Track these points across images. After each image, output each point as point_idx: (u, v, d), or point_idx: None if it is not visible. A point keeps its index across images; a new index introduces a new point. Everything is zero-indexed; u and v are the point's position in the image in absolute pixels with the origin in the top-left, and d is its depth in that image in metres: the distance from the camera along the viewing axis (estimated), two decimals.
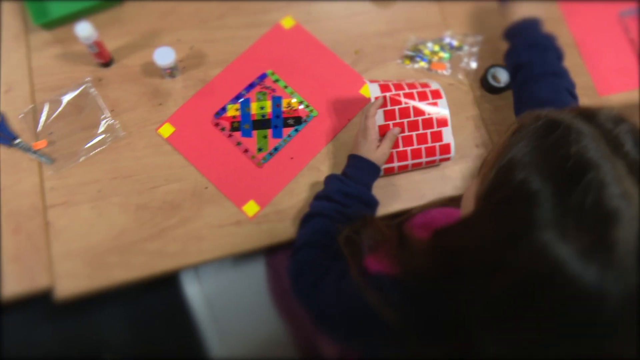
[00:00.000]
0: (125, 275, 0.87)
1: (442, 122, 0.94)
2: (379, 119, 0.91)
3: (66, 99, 0.96)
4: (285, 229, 0.93)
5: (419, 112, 0.93)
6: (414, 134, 0.94)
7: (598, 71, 1.13)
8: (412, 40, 1.08)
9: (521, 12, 1.00)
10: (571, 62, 1.10)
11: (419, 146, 0.94)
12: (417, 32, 1.10)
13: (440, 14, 1.13)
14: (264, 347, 1.14)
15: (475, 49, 1.08)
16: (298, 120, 0.99)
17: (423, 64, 1.06)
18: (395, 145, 0.93)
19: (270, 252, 1.05)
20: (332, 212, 0.84)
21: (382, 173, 0.94)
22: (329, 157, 0.98)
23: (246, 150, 0.96)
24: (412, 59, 1.07)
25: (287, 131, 0.98)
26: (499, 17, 1.14)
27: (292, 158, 0.97)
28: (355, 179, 0.88)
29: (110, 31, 1.01)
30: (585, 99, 1.09)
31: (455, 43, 1.08)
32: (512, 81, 1.00)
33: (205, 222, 0.92)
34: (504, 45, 1.11)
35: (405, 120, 0.93)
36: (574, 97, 0.92)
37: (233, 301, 1.21)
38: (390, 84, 0.95)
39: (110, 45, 1.00)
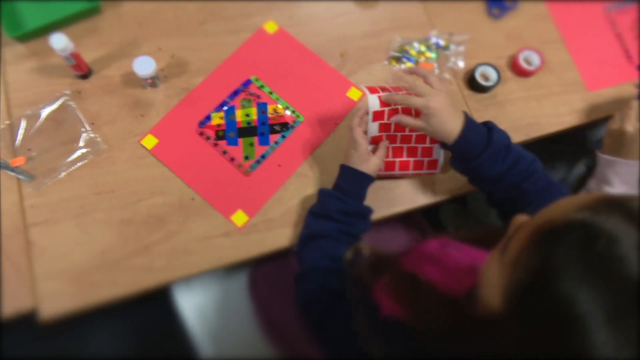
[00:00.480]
0: (111, 293, 0.85)
1: (435, 140, 0.92)
2: (373, 130, 0.88)
3: (44, 113, 0.93)
4: (275, 238, 0.91)
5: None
6: (404, 146, 0.93)
7: (586, 66, 1.12)
8: (398, 40, 1.06)
9: (451, 123, 0.82)
10: (558, 58, 1.10)
11: (408, 159, 0.94)
12: (402, 32, 1.08)
13: (425, 13, 1.11)
14: (257, 355, 1.11)
15: (461, 48, 1.06)
16: (284, 127, 0.97)
17: (410, 64, 1.04)
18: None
19: (253, 284, 1.03)
20: (334, 232, 0.83)
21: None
22: (317, 162, 0.96)
23: (232, 159, 0.94)
24: (398, 60, 1.05)
25: (273, 138, 0.96)
26: (484, 16, 1.13)
27: (279, 165, 0.94)
28: (352, 194, 0.86)
29: (88, 42, 0.99)
30: (574, 95, 1.09)
31: (441, 42, 1.07)
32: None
33: (193, 235, 0.89)
34: (491, 43, 1.10)
35: (399, 134, 0.91)
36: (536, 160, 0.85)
37: (226, 311, 1.18)
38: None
39: (88, 57, 0.97)
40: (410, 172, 0.94)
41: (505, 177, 0.82)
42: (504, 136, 0.84)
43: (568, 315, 0.42)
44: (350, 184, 0.87)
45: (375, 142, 0.90)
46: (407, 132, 0.91)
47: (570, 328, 0.42)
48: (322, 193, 0.89)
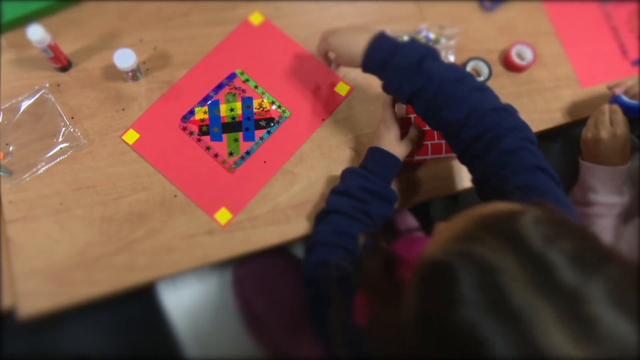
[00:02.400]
0: (91, 292, 0.83)
1: None
2: (401, 111, 0.87)
3: (22, 107, 0.91)
4: (260, 237, 0.89)
5: None
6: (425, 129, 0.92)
7: (579, 61, 1.10)
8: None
9: (349, 40, 0.82)
10: (551, 52, 1.08)
11: (440, 141, 0.92)
12: (391, 24, 1.06)
13: (416, 4, 1.09)
14: (243, 353, 1.10)
15: (452, 42, 1.04)
16: (270, 122, 0.95)
17: None
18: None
19: (238, 281, 1.01)
20: (351, 209, 0.80)
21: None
22: (303, 159, 0.94)
23: (216, 155, 0.91)
24: None
25: (259, 134, 0.94)
26: (476, 8, 1.10)
27: (265, 162, 0.92)
28: (377, 173, 0.83)
29: (67, 33, 0.96)
30: (567, 90, 1.06)
31: (432, 36, 1.04)
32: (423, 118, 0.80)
33: (176, 233, 0.87)
34: (483, 37, 1.08)
35: None
36: (481, 89, 0.75)
37: (210, 308, 1.17)
38: None
39: (68, 48, 0.94)
40: (444, 155, 0.93)
41: (419, 99, 0.75)
42: (416, 52, 0.75)
43: (469, 339, 0.40)
44: (376, 165, 0.84)
45: (402, 125, 0.88)
46: None
47: (477, 355, 0.40)
48: (345, 171, 0.86)
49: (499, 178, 0.70)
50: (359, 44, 0.79)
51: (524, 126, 0.74)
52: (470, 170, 0.77)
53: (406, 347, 0.47)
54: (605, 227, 0.89)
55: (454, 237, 0.47)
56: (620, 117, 0.88)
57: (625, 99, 0.92)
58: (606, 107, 0.90)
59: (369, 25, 1.04)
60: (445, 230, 0.49)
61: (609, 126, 0.88)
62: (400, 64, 0.75)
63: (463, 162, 0.77)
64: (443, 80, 0.73)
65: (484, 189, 0.74)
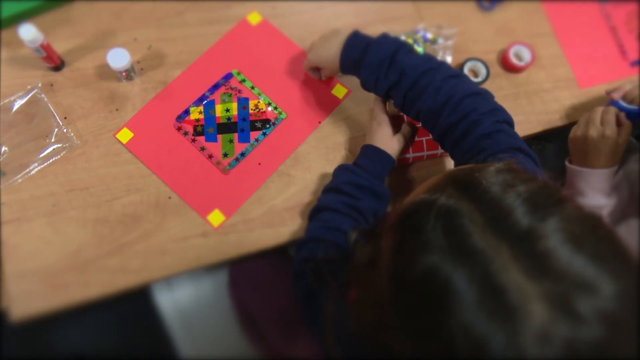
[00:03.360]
0: (85, 294, 0.82)
1: None
2: (392, 109, 0.88)
3: (15, 106, 0.90)
4: (255, 239, 0.88)
5: None
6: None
7: (578, 62, 1.09)
8: None
9: (324, 50, 0.84)
10: (550, 53, 1.07)
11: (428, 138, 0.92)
12: (389, 24, 1.05)
13: (413, 4, 1.07)
14: (237, 353, 1.10)
15: (450, 42, 1.03)
16: (266, 123, 0.94)
17: None
18: (411, 135, 0.90)
19: (233, 282, 1.00)
20: (340, 205, 0.79)
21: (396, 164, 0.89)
22: (299, 161, 0.93)
23: (211, 156, 0.90)
24: None
25: (254, 135, 0.93)
26: (474, 8, 1.09)
27: (260, 163, 0.91)
28: (366, 169, 0.83)
29: (60, 32, 0.94)
30: (566, 92, 1.06)
31: (429, 36, 1.03)
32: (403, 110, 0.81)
33: (169, 235, 0.87)
34: (481, 37, 1.07)
35: None
36: (456, 76, 0.76)
37: (205, 309, 1.17)
38: None
39: (61, 47, 0.93)
40: (439, 150, 0.92)
41: (396, 93, 0.77)
42: (387, 47, 0.76)
43: (433, 283, 0.42)
44: (366, 160, 0.84)
45: (395, 122, 0.89)
46: None
47: (442, 300, 0.41)
48: (337, 168, 0.86)
49: (478, 162, 0.70)
50: (333, 49, 0.81)
51: (500, 109, 0.75)
52: (453, 158, 0.78)
53: (382, 311, 0.48)
54: None
55: (424, 191, 0.50)
56: (611, 117, 0.87)
57: (623, 103, 0.92)
58: (599, 108, 0.90)
59: (366, 26, 1.03)
60: (419, 187, 0.52)
61: (599, 126, 0.87)
62: (374, 62, 0.76)
63: (445, 150, 0.78)
64: (417, 72, 0.75)
65: None
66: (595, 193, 0.88)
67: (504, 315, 0.39)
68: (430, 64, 0.76)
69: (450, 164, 0.96)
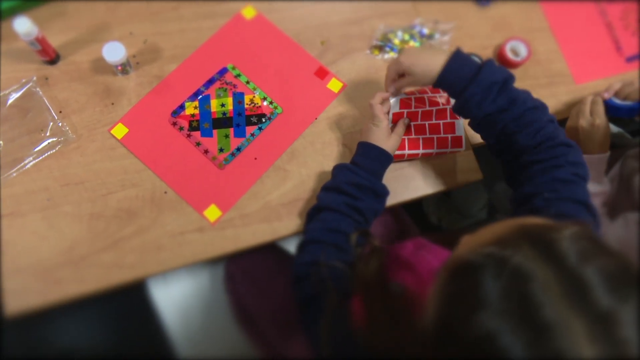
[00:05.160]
0: (79, 289, 0.82)
1: (455, 115, 0.90)
2: (394, 106, 0.89)
3: (9, 100, 0.89)
4: (251, 234, 0.88)
5: (433, 102, 0.91)
6: (426, 123, 0.91)
7: (574, 57, 1.09)
8: (381, 29, 1.02)
9: (427, 59, 0.81)
10: (545, 48, 1.07)
11: (431, 136, 0.92)
12: (385, 19, 1.04)
13: None
14: (233, 349, 1.10)
15: (447, 38, 1.03)
16: (262, 118, 0.94)
17: (393, 54, 1.01)
18: (408, 132, 0.91)
19: (230, 278, 1.00)
20: (340, 205, 0.79)
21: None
22: (295, 156, 0.93)
23: (206, 151, 0.90)
24: (381, 49, 1.01)
25: (250, 130, 0.93)
26: (471, 3, 1.09)
27: (255, 158, 0.91)
28: (366, 168, 0.83)
29: (55, 25, 0.94)
30: (562, 87, 1.06)
31: (426, 31, 1.03)
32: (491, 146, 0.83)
33: (165, 230, 0.86)
34: (477, 32, 1.07)
35: (419, 110, 0.90)
36: (554, 121, 0.78)
37: (202, 304, 1.17)
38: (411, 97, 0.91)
39: (56, 41, 0.92)
40: (435, 150, 0.92)
41: (497, 119, 0.77)
42: (499, 73, 0.76)
43: (487, 348, 0.40)
44: (365, 158, 0.84)
45: (395, 119, 0.89)
46: (427, 108, 0.91)
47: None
48: (336, 167, 0.86)
49: (546, 200, 0.71)
50: (437, 62, 0.78)
51: (583, 164, 0.76)
52: (517, 185, 0.78)
53: (419, 349, 0.47)
54: None
55: (489, 242, 0.46)
56: (600, 107, 0.91)
57: (616, 101, 0.93)
58: (589, 97, 0.93)
59: (362, 21, 1.03)
60: (479, 236, 0.49)
61: (589, 116, 0.91)
62: (485, 83, 0.76)
63: (504, 158, 0.80)
64: (526, 106, 0.76)
65: (525, 204, 0.74)
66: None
67: None
68: (536, 102, 0.78)
69: (449, 162, 0.96)
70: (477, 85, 0.76)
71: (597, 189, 0.91)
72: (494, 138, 0.80)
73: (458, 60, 0.78)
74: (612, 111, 0.93)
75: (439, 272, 0.49)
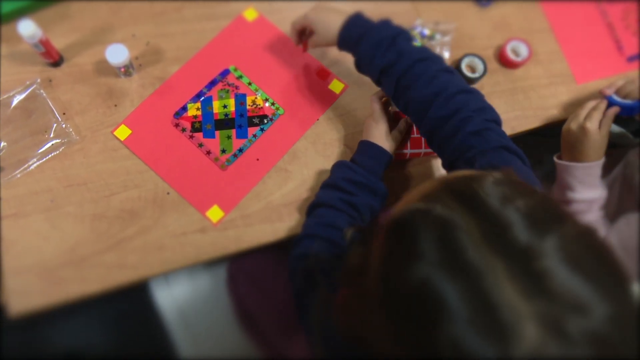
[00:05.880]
0: (82, 289, 0.83)
1: None
2: (390, 106, 0.89)
3: (13, 102, 0.90)
4: (253, 235, 0.89)
5: None
6: None
7: (575, 57, 1.09)
8: None
9: (328, 17, 0.84)
10: (546, 49, 1.07)
11: None
12: None
13: (410, 0, 1.08)
14: (235, 350, 1.10)
15: (447, 38, 1.03)
16: (263, 119, 0.94)
17: None
18: (410, 131, 0.91)
19: (232, 278, 1.00)
20: (336, 201, 0.80)
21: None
22: (297, 156, 0.93)
23: (209, 152, 0.91)
24: None
25: (252, 131, 0.93)
26: (471, 4, 1.10)
27: (258, 159, 0.92)
28: (364, 165, 0.83)
29: (58, 28, 0.94)
30: (563, 88, 1.06)
31: (426, 32, 1.03)
32: (392, 98, 0.82)
33: (167, 231, 0.87)
34: (478, 33, 1.07)
35: None
36: (450, 71, 0.77)
37: (204, 305, 1.17)
38: None
39: (60, 43, 0.93)
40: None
41: (389, 74, 0.77)
42: (390, 30, 0.78)
43: (425, 298, 0.41)
44: (363, 156, 0.85)
45: (397, 116, 0.90)
46: None
47: (432, 313, 0.40)
48: (334, 164, 0.87)
49: (466, 160, 0.71)
50: (336, 21, 0.82)
51: (489, 108, 0.75)
52: (440, 155, 0.78)
53: (370, 310, 0.47)
54: (590, 221, 0.89)
55: (417, 198, 0.48)
56: (597, 113, 0.89)
57: (617, 98, 0.92)
58: (590, 103, 0.91)
59: None
60: (411, 193, 0.51)
61: (581, 119, 0.89)
62: (374, 39, 0.78)
63: (432, 147, 0.79)
64: (414, 57, 0.76)
65: (453, 170, 0.74)
66: (584, 187, 0.89)
67: (496, 333, 0.38)
68: (428, 53, 0.77)
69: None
70: (367, 42, 0.78)
71: (593, 195, 0.90)
72: (397, 102, 0.80)
73: (354, 21, 0.81)
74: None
75: (378, 236, 0.50)
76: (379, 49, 0.78)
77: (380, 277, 0.46)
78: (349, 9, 0.85)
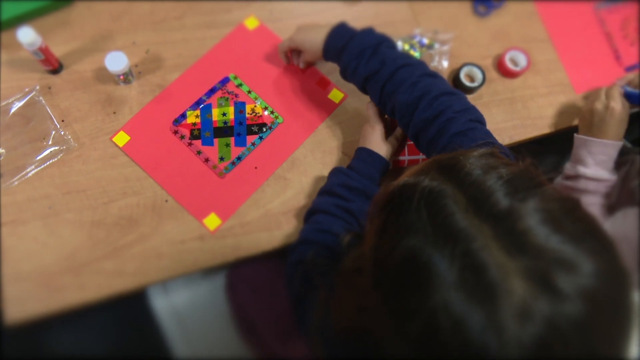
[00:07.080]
0: (80, 297, 0.82)
1: None
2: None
3: (12, 109, 0.90)
4: (251, 243, 0.89)
5: None
6: None
7: (573, 67, 1.09)
8: None
9: (311, 33, 0.88)
10: (545, 58, 1.07)
11: None
12: (385, 29, 1.03)
13: (410, 9, 1.08)
14: (234, 357, 1.10)
15: (446, 47, 1.03)
16: (262, 127, 0.94)
17: None
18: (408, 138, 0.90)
19: (231, 286, 1.00)
20: (331, 207, 0.80)
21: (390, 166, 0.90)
22: (296, 165, 0.93)
23: (207, 160, 0.91)
24: None
25: (250, 139, 0.93)
26: (470, 13, 1.10)
27: (256, 167, 0.92)
28: (360, 172, 0.84)
29: (59, 35, 0.95)
30: (562, 97, 1.06)
31: (425, 41, 1.04)
32: (379, 104, 0.85)
33: (166, 238, 0.87)
34: (476, 42, 1.07)
35: None
36: (433, 75, 0.79)
37: (202, 313, 1.16)
38: None
39: (59, 50, 0.93)
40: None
41: (374, 82, 0.80)
42: (373, 39, 0.81)
43: (415, 267, 0.42)
44: (360, 162, 0.85)
45: (394, 123, 0.91)
46: None
47: (423, 280, 0.41)
48: (331, 171, 0.88)
49: None
50: (320, 35, 0.85)
51: (472, 108, 0.77)
52: (428, 157, 0.79)
53: (364, 295, 0.48)
54: (591, 204, 0.90)
55: (409, 175, 0.51)
56: (615, 92, 0.91)
57: (628, 88, 0.94)
58: (603, 88, 0.94)
59: None
60: (401, 176, 0.53)
61: (604, 98, 0.92)
62: (357, 48, 0.80)
63: (420, 149, 0.80)
64: (397, 64, 0.78)
65: None
66: (597, 165, 0.90)
67: (484, 292, 0.39)
68: (410, 60, 0.79)
69: None
70: (350, 52, 0.80)
71: (604, 175, 0.90)
72: (383, 107, 0.82)
73: (336, 32, 0.83)
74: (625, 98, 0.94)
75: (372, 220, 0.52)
76: (362, 57, 0.80)
77: (373, 255, 0.48)
78: (338, 20, 0.87)
